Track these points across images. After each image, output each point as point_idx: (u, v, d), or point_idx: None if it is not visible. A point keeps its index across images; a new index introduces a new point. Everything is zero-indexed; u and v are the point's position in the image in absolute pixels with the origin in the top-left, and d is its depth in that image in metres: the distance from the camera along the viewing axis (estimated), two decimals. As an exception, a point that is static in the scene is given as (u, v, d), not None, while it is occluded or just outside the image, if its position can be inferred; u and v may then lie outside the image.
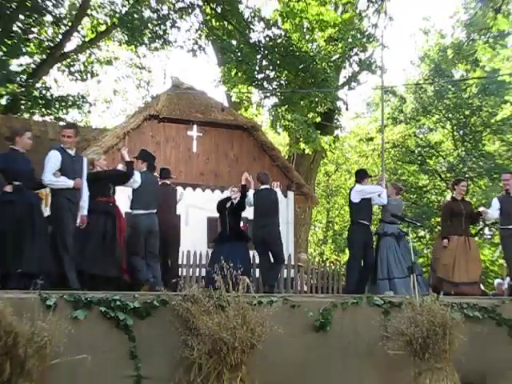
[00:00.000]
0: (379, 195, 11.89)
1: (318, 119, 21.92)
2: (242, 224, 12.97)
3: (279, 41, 20.79)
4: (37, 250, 8.36)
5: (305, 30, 22.89)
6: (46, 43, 23.03)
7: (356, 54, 22.19)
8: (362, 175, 12.04)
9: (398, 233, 11.82)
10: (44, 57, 22.79)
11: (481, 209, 11.91)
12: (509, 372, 8.55)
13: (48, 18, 21.93)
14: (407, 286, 10.28)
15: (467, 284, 11.02)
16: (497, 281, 18.30)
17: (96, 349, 6.82)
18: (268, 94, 21.23)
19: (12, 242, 8.25)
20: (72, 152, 9.04)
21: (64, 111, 23.27)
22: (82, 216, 9.07)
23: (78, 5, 22.42)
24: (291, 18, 21.81)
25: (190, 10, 21.90)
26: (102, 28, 22.89)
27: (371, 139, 31.20)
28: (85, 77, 23.81)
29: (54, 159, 8.81)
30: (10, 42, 20.09)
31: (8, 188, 8.46)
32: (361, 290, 10.97)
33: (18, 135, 8.79)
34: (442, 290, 11.05)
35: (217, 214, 13.04)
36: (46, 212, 9.21)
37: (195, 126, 17.84)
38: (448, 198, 12.40)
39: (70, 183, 8.77)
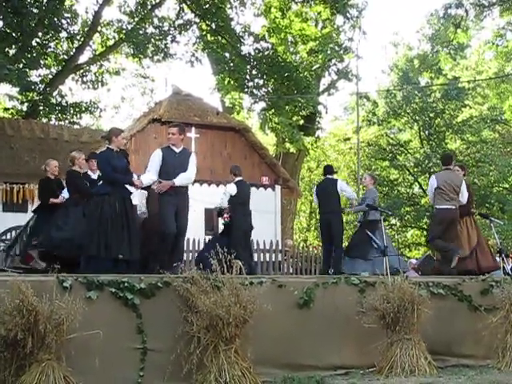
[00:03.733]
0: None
1: (301, 122, 21.96)
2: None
3: (267, 53, 20.81)
4: (133, 238, 8.22)
5: (289, 43, 22.96)
6: (62, 56, 22.94)
7: (334, 65, 22.28)
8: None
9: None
10: (60, 68, 22.71)
11: None
12: (468, 341, 8.58)
13: (63, 34, 21.85)
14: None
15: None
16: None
17: (107, 325, 6.79)
18: (257, 100, 21.21)
19: (113, 231, 8.04)
20: (177, 149, 8.70)
21: (78, 116, 23.17)
22: None
23: (89, 22, 22.35)
24: (277, 33, 21.88)
25: (187, 27, 21.91)
26: (111, 43, 22.81)
27: (348, 139, 31.28)
28: (96, 86, 23.69)
29: (154, 158, 8.56)
30: (29, 56, 20.02)
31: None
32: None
33: (115, 135, 8.48)
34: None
35: (212, 206, 12.89)
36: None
37: (193, 128, 17.77)
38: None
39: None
